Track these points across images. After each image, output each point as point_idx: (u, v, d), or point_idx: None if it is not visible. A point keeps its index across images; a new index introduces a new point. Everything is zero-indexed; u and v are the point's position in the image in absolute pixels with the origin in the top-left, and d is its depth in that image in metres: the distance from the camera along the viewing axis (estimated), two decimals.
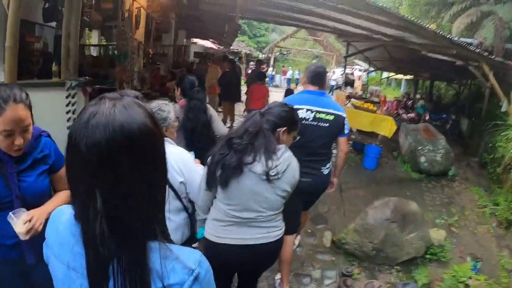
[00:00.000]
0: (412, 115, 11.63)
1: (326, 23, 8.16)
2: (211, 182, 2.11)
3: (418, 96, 17.40)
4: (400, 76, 20.25)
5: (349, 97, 10.76)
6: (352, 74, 21.77)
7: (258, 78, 7.80)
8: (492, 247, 5.07)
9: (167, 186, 1.00)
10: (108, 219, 0.79)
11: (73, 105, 4.09)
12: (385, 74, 21.48)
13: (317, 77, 3.22)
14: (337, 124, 3.13)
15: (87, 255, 0.82)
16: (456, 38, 6.88)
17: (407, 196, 5.95)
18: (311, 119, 3.05)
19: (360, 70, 26.01)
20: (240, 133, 2.09)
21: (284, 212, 2.32)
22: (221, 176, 2.05)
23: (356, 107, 7.89)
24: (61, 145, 4.11)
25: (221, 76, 8.06)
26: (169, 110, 2.36)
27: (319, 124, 3.07)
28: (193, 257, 0.88)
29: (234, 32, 13.81)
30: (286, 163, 2.10)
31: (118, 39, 5.71)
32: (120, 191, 0.80)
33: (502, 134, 6.81)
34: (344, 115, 3.18)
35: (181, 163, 2.23)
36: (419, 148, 7.01)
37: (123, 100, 0.84)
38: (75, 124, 0.84)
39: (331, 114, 3.09)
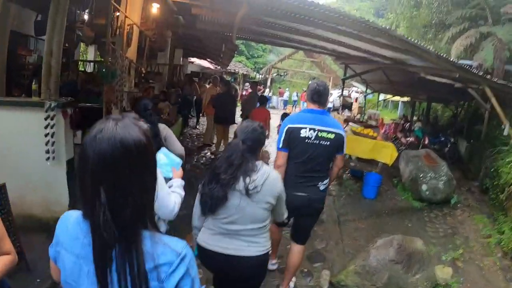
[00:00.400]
0: (411, 139, 11.36)
1: (325, 45, 7.97)
2: (204, 210, 2.34)
3: (415, 118, 17.23)
4: (397, 98, 20.15)
5: (347, 120, 10.42)
6: (349, 96, 21.62)
7: (260, 102, 7.81)
8: (499, 282, 4.75)
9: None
10: (110, 211, 0.99)
11: (52, 127, 3.78)
12: (382, 96, 21.36)
13: (318, 95, 3.24)
14: (338, 143, 3.20)
15: (93, 241, 1.01)
16: (456, 61, 6.66)
17: (409, 228, 5.64)
18: (313, 138, 3.11)
19: (357, 92, 25.98)
20: (225, 167, 2.26)
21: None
22: (210, 205, 2.28)
23: (355, 133, 7.52)
24: (39, 170, 3.86)
25: (215, 98, 7.75)
26: None
27: (320, 142, 3.13)
28: (181, 244, 1.09)
29: (231, 52, 13.73)
30: (264, 176, 2.26)
31: (107, 57, 5.43)
32: (119, 189, 1.01)
33: (507, 160, 6.50)
34: (344, 134, 3.26)
35: None
36: (421, 175, 6.71)
37: (124, 120, 1.06)
38: (86, 138, 1.04)
39: (332, 132, 3.15)
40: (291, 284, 3.69)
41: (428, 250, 4.25)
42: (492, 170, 7.34)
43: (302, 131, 3.09)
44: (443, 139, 10.87)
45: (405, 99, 19.44)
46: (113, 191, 0.99)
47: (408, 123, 14.45)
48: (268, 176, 2.28)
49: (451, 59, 6.05)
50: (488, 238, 5.78)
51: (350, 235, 5.02)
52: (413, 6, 15.70)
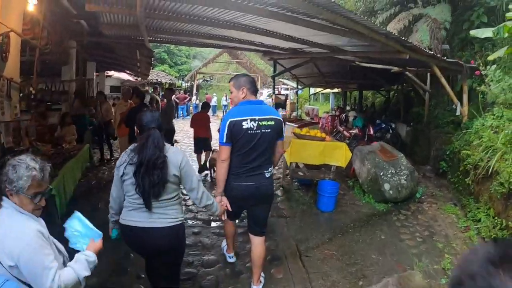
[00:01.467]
0: (355, 131, 10.75)
1: (251, 39, 6.97)
2: (148, 199, 2.44)
3: (348, 108, 17.07)
4: (328, 90, 19.95)
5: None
6: (280, 94, 21.05)
7: (202, 107, 8.24)
8: None
9: None
10: None
11: None
12: (312, 90, 21.10)
13: (254, 86, 3.32)
14: (278, 129, 3.26)
15: None
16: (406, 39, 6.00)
17: (383, 241, 4.75)
18: (255, 128, 3.13)
19: (286, 89, 25.61)
20: (158, 153, 2.40)
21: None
22: (157, 192, 2.41)
23: (300, 136, 6.35)
24: None
25: (126, 113, 6.24)
26: (21, 174, 1.75)
27: (262, 131, 3.16)
28: None
29: (148, 60, 12.28)
30: (165, 150, 2.49)
31: None
32: None
33: (474, 142, 5.92)
34: (281, 119, 3.33)
35: (13, 245, 1.66)
36: (381, 174, 5.89)
37: None
38: None
39: (272, 119, 3.21)
40: (261, 279, 3.61)
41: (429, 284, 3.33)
42: (448, 152, 6.86)
43: (244, 123, 3.10)
44: (384, 125, 10.44)
45: (336, 90, 19.26)
46: None
47: (344, 114, 14.02)
48: (169, 149, 2.49)
49: (404, 39, 5.30)
50: (467, 231, 5.16)
51: (318, 270, 3.90)
52: None
